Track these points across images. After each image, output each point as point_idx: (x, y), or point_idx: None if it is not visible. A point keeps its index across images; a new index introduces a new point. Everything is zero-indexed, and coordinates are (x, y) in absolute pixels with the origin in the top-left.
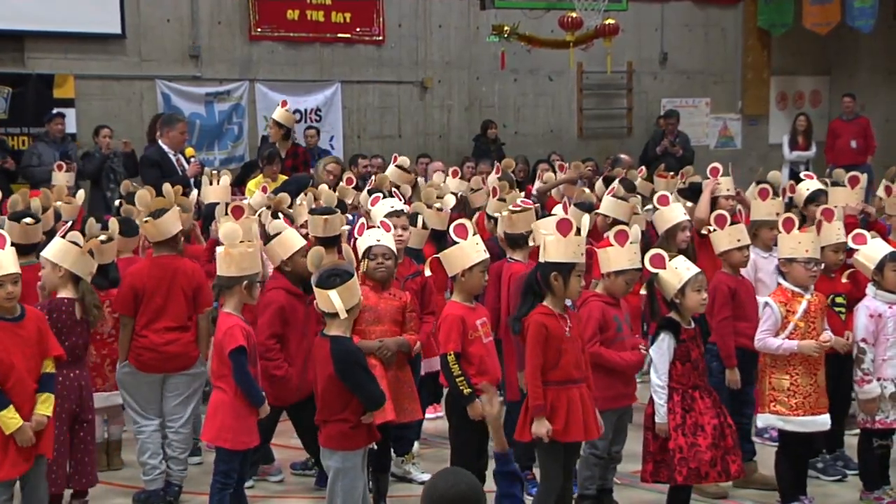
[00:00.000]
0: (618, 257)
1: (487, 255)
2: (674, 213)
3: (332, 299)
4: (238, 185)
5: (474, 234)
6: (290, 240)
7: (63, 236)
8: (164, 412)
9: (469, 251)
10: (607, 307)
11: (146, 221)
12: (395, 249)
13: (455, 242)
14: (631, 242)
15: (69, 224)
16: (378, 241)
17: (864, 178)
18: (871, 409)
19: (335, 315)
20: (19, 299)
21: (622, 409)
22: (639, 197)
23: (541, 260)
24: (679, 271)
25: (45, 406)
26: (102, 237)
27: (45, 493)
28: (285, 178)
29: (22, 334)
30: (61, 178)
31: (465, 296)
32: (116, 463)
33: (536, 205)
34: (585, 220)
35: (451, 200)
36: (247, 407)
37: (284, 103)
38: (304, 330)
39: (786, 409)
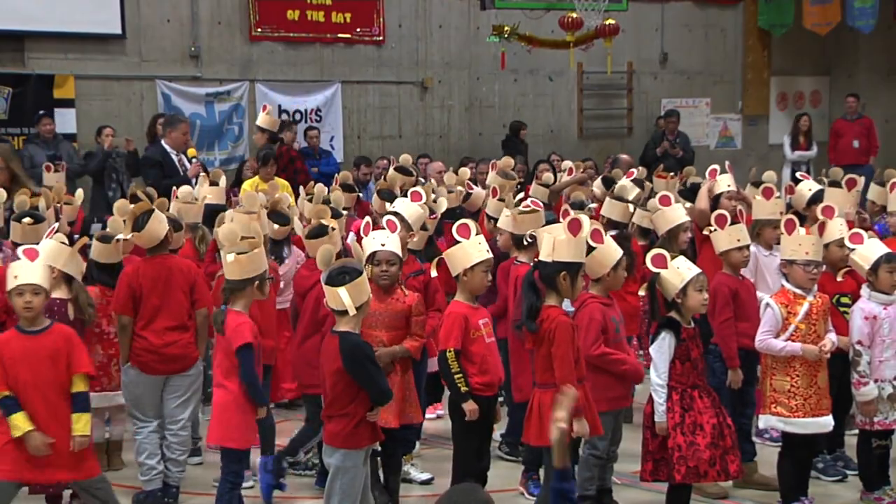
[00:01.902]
0: (606, 254)
1: (490, 255)
2: (675, 213)
3: (342, 296)
4: (235, 186)
5: (477, 234)
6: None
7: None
8: (163, 414)
9: (471, 251)
10: (606, 308)
11: (130, 237)
12: (400, 254)
13: (456, 242)
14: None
15: (56, 226)
16: (383, 245)
17: (861, 180)
18: (870, 411)
19: (344, 312)
20: None
21: (620, 410)
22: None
23: (545, 259)
24: (681, 271)
25: (81, 426)
26: (120, 236)
27: None
28: (282, 180)
29: (36, 348)
30: (51, 178)
31: (467, 295)
32: (116, 463)
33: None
34: (585, 220)
35: (442, 204)
36: (250, 405)
37: (265, 108)
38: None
39: (786, 411)
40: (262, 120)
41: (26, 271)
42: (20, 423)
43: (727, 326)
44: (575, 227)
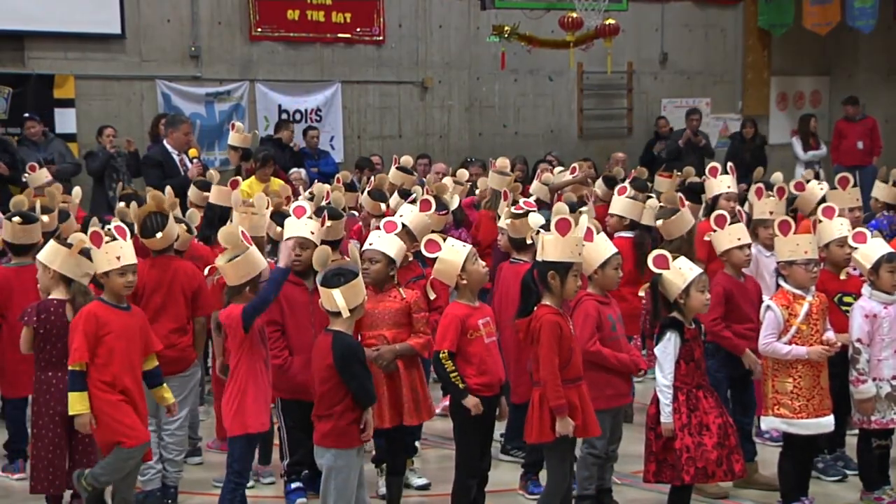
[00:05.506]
0: (592, 254)
1: (469, 245)
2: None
3: (336, 298)
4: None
5: (445, 241)
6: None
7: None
8: (159, 414)
9: (452, 257)
10: (601, 306)
11: (158, 238)
12: (386, 252)
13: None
14: (598, 234)
15: (66, 225)
16: (371, 244)
17: (851, 179)
18: (867, 409)
19: (338, 313)
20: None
21: (619, 407)
22: (654, 196)
23: (538, 259)
24: (683, 272)
25: (170, 394)
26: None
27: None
28: (277, 180)
29: (130, 324)
30: (37, 178)
31: (469, 295)
32: None
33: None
34: (583, 220)
35: (455, 201)
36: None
37: (233, 126)
38: (309, 321)
39: (789, 412)
40: (233, 138)
41: (127, 252)
42: (77, 401)
43: (716, 324)
44: (563, 226)
